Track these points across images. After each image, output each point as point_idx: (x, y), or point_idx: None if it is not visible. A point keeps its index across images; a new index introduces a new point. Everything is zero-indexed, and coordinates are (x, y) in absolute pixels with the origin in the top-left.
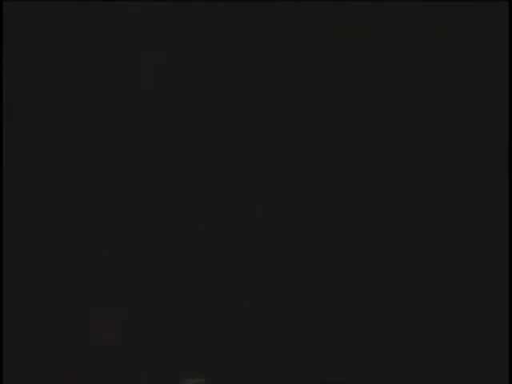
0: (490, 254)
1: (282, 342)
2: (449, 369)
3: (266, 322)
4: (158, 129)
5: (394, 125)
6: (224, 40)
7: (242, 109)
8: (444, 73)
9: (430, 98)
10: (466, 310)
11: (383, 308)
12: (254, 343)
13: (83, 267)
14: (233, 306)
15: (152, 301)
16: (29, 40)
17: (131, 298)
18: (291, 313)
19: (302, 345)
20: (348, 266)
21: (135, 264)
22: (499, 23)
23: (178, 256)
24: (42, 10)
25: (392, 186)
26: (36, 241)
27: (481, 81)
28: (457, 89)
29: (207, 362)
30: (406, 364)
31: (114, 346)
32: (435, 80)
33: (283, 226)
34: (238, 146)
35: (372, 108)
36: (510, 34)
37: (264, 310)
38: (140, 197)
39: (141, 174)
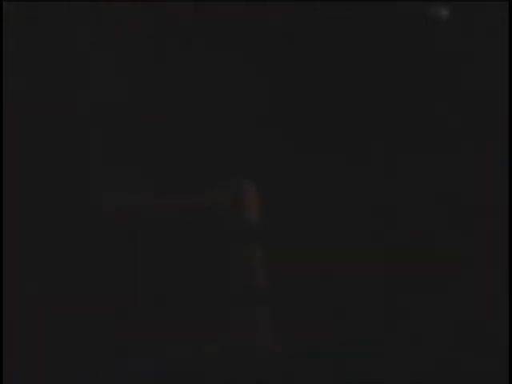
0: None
1: None
2: None
3: None
4: None
5: None
6: None
7: None
8: (443, 74)
9: (430, 105)
10: None
11: None
12: None
13: None
14: None
15: None
16: None
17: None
18: None
19: None
20: None
21: None
22: (499, 23)
23: None
24: None
25: None
26: None
27: (479, 81)
28: (455, 88)
29: None
30: None
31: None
32: (433, 82)
33: None
34: None
35: None
36: (510, 34)
37: None
38: None
39: None
